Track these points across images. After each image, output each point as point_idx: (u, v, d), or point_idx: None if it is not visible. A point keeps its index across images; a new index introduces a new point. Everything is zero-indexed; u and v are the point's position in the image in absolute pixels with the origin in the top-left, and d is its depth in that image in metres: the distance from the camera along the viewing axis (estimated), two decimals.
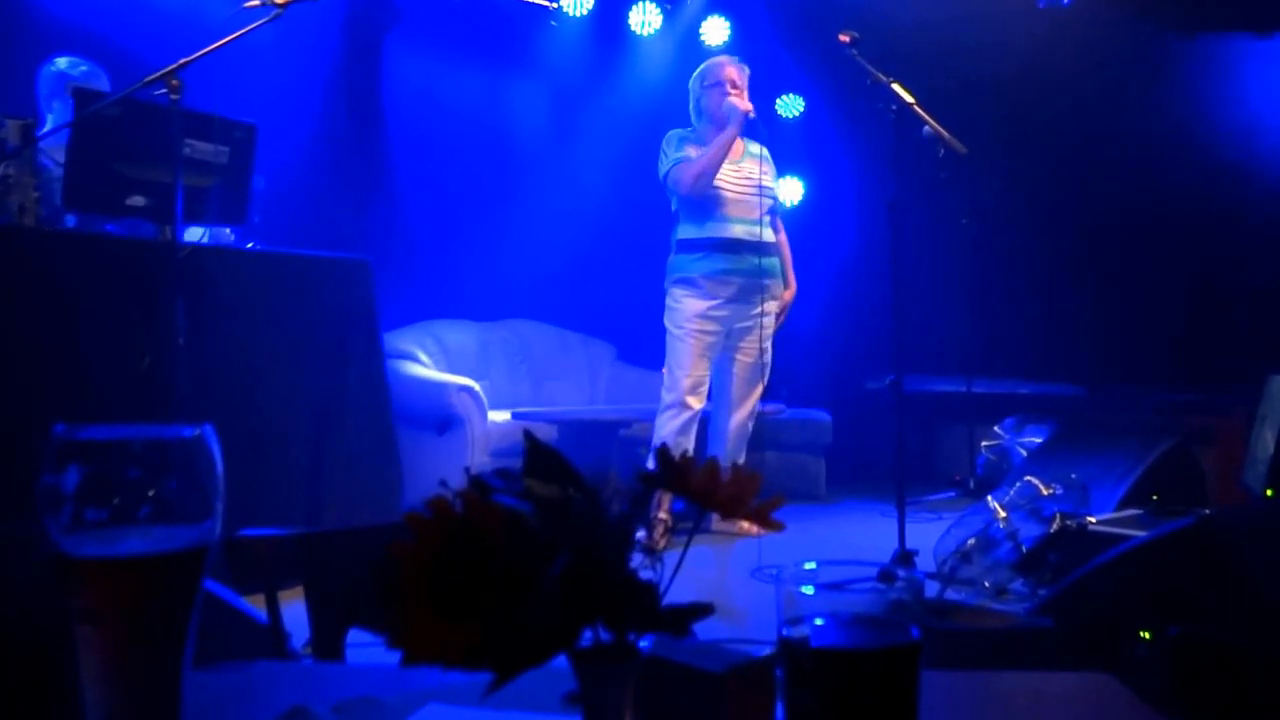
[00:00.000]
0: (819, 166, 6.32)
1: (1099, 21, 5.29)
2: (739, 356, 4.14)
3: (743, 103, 3.97)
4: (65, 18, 4.04)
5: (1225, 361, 4.80)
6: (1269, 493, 2.90)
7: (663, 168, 4.07)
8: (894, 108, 3.54)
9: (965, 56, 5.21)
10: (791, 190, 6.28)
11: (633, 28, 6.00)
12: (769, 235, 4.11)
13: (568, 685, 0.58)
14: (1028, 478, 3.39)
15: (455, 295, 5.34)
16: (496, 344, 5.42)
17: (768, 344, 4.16)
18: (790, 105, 6.46)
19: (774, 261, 4.12)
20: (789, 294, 4.26)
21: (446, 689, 0.76)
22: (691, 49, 5.92)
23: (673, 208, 4.17)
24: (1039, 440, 4.61)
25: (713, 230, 4.02)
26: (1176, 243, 5.27)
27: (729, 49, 6.02)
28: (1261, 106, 5.05)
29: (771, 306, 4.11)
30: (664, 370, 4.14)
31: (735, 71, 4.10)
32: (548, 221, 5.69)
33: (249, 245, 3.51)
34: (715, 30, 6.12)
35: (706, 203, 4.01)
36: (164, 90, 2.76)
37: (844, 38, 3.62)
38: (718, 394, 4.18)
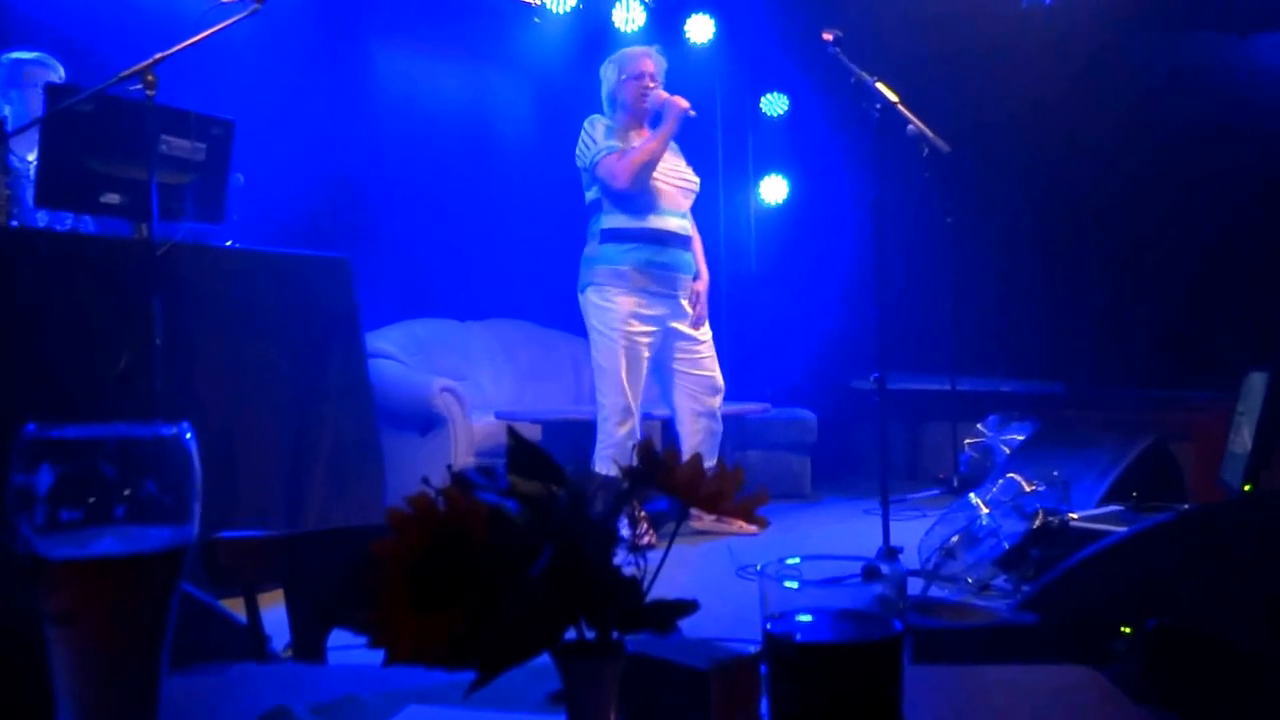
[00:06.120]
0: (803, 165, 6.33)
1: (1082, 21, 5.32)
2: (681, 369, 4.07)
3: (680, 100, 3.90)
4: (37, 12, 3.99)
5: (1204, 360, 4.84)
6: (1246, 488, 2.93)
7: (588, 156, 3.94)
8: (878, 106, 3.55)
9: (949, 55, 5.23)
10: (776, 189, 6.29)
11: (616, 25, 5.99)
12: (691, 229, 4.09)
13: (550, 685, 0.57)
14: (1010, 475, 3.40)
15: (437, 294, 5.32)
16: (479, 343, 5.40)
17: (711, 358, 4.11)
18: (774, 103, 6.46)
19: (690, 256, 4.08)
20: (701, 285, 4.15)
21: (429, 689, 0.75)
22: (676, 47, 5.92)
23: (591, 196, 4.03)
24: (1021, 438, 4.64)
25: (649, 221, 3.92)
26: (1158, 242, 5.31)
27: (714, 46, 6.04)
28: (1242, 107, 5.09)
29: (686, 302, 4.06)
30: (595, 367, 3.99)
31: (653, 64, 4.03)
32: (530, 219, 5.68)
33: (227, 243, 3.48)
34: (700, 27, 6.12)
35: (643, 193, 3.91)
36: (139, 86, 2.72)
37: (827, 36, 3.62)
38: (673, 408, 4.13)
